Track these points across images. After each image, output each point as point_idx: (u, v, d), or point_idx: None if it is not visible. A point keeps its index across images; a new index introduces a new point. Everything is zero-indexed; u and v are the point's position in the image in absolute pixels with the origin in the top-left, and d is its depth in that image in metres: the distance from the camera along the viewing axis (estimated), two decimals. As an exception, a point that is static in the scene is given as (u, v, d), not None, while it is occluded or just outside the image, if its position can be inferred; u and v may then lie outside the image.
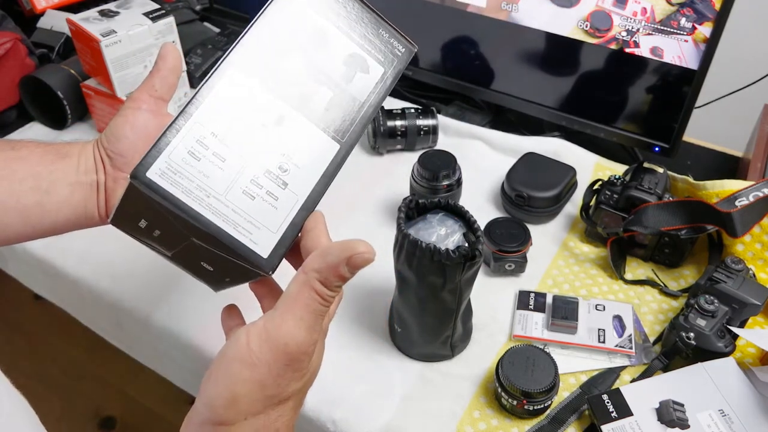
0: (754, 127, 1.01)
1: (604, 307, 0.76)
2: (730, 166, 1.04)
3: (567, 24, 0.93)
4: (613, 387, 0.69)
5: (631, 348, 0.72)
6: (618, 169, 0.98)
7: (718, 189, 0.80)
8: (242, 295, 0.51)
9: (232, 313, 0.51)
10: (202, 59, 1.16)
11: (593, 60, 0.95)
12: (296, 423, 0.70)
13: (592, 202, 0.85)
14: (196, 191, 0.44)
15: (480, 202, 0.94)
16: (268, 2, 0.49)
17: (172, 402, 1.29)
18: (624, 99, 0.96)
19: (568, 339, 0.73)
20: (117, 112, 0.54)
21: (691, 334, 0.67)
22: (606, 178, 0.85)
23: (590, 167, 0.99)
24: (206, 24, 1.30)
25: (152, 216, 0.45)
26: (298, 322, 0.42)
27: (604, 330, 0.74)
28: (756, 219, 0.76)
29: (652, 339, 0.74)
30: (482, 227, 0.74)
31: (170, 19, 0.98)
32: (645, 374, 0.69)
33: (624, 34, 0.90)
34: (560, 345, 0.73)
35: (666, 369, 0.70)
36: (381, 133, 0.99)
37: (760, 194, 0.75)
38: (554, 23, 0.94)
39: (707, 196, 0.80)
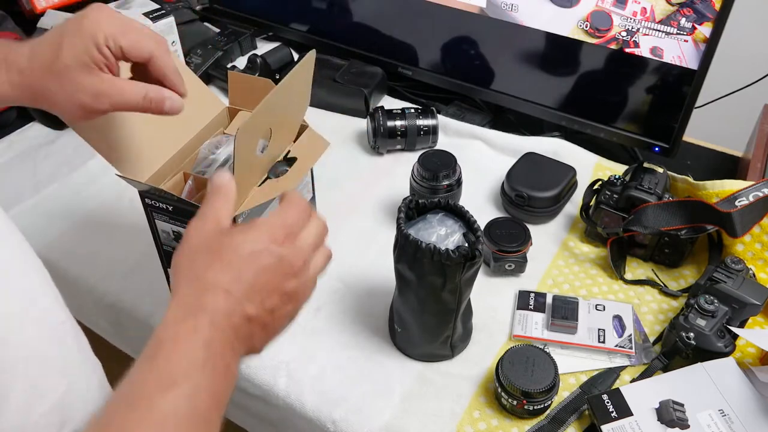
0: (753, 127, 1.01)
1: (604, 307, 0.76)
2: (729, 166, 1.04)
3: (567, 24, 0.93)
4: (613, 387, 0.69)
5: (631, 348, 0.72)
6: (618, 169, 0.98)
7: (718, 189, 0.80)
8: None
9: None
10: (202, 59, 1.16)
11: (593, 60, 0.95)
12: (296, 422, 0.70)
13: (592, 202, 0.85)
14: None
15: (480, 202, 0.94)
16: None
17: (172, 402, 1.28)
18: (624, 99, 0.96)
19: (568, 339, 0.73)
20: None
21: (691, 334, 0.67)
22: (606, 178, 0.85)
23: (590, 167, 0.99)
24: (206, 24, 1.30)
25: None
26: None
27: (604, 330, 0.74)
28: (756, 219, 0.76)
29: (652, 339, 0.74)
30: (482, 227, 0.74)
31: (170, 19, 0.98)
32: (645, 374, 0.69)
33: (624, 34, 0.90)
34: (560, 345, 0.73)
35: (666, 369, 0.70)
36: (381, 133, 0.99)
37: (760, 194, 0.75)
38: (554, 23, 0.94)
39: (707, 196, 0.80)
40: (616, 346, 0.72)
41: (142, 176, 0.61)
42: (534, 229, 0.85)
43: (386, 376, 0.71)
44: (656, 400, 0.64)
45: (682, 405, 0.63)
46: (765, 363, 0.69)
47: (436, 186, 0.85)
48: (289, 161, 0.67)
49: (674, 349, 0.68)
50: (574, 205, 0.92)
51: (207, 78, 1.15)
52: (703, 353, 0.67)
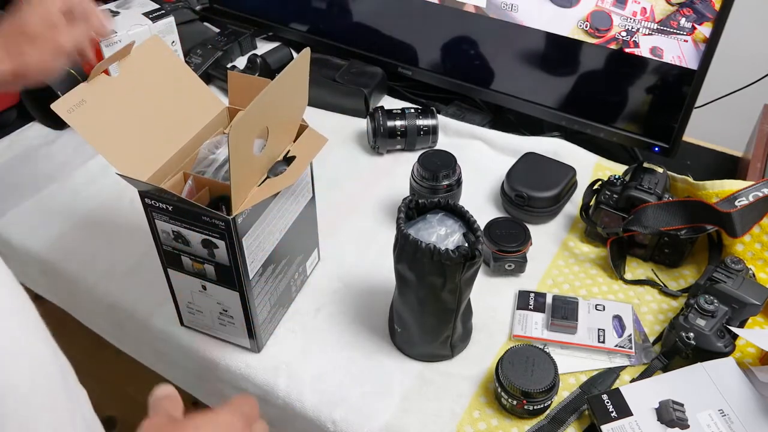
0: (753, 127, 1.01)
1: (603, 307, 0.76)
2: (729, 166, 1.04)
3: (567, 24, 0.93)
4: (613, 387, 0.69)
5: (630, 348, 0.72)
6: (618, 169, 0.98)
7: (718, 189, 0.80)
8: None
9: None
10: (202, 59, 1.16)
11: (593, 60, 0.95)
12: (296, 422, 0.70)
13: (592, 202, 0.85)
14: None
15: (480, 202, 0.94)
16: None
17: (172, 402, 1.28)
18: (624, 99, 0.96)
19: (567, 339, 0.73)
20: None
21: (691, 334, 0.67)
22: (606, 178, 0.85)
23: (590, 167, 0.99)
24: (206, 24, 1.30)
25: None
26: None
27: (603, 330, 0.74)
28: (756, 219, 0.76)
29: (651, 339, 0.74)
30: (482, 227, 0.74)
31: (170, 19, 0.98)
32: (645, 374, 0.69)
33: (624, 34, 0.90)
34: (560, 345, 0.73)
35: (666, 369, 0.70)
36: (381, 133, 0.99)
37: (760, 194, 0.75)
38: (554, 23, 0.94)
39: (707, 196, 0.80)
40: (616, 346, 0.72)
41: (142, 176, 0.61)
42: (534, 229, 0.85)
43: (386, 376, 0.71)
44: (656, 400, 0.64)
45: (682, 405, 0.63)
46: (765, 363, 0.69)
47: (436, 186, 0.85)
48: (289, 160, 0.67)
49: (674, 349, 0.68)
50: (574, 205, 0.92)
51: (207, 78, 1.16)
52: (703, 353, 0.67)
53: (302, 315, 0.78)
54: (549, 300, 0.77)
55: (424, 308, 0.67)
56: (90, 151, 0.64)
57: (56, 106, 0.59)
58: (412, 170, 0.88)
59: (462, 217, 0.66)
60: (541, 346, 0.68)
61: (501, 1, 0.97)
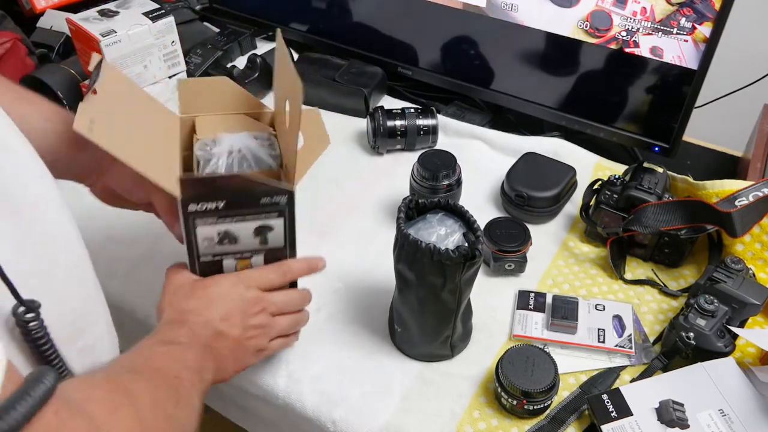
0: (753, 127, 1.01)
1: (603, 307, 0.76)
2: (729, 166, 1.04)
3: (567, 24, 0.93)
4: (613, 387, 0.69)
5: (630, 348, 0.72)
6: (618, 169, 0.98)
7: (718, 189, 0.80)
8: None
9: None
10: (201, 59, 1.16)
11: (593, 60, 0.95)
12: (296, 422, 0.70)
13: (592, 202, 0.85)
14: None
15: (480, 202, 0.94)
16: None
17: (172, 402, 1.28)
18: (624, 99, 0.96)
19: (567, 339, 0.73)
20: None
21: (691, 334, 0.67)
22: (606, 178, 0.85)
23: (590, 167, 0.99)
24: (206, 24, 1.30)
25: None
26: None
27: (603, 330, 0.74)
28: (756, 219, 0.76)
29: (651, 339, 0.74)
30: (482, 227, 0.74)
31: (170, 19, 0.98)
32: (645, 374, 0.69)
33: (624, 34, 0.90)
34: (560, 345, 0.73)
35: (666, 369, 0.70)
36: (381, 133, 0.99)
37: (760, 194, 0.75)
38: (554, 23, 0.94)
39: (707, 196, 0.80)
40: (616, 346, 0.72)
41: (173, 185, 0.58)
42: (534, 229, 0.85)
43: (386, 376, 0.71)
44: (656, 400, 0.64)
45: (682, 405, 0.63)
46: (765, 363, 0.69)
47: (436, 186, 0.85)
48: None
49: (674, 349, 0.68)
50: (574, 205, 0.92)
51: (207, 78, 1.16)
52: (703, 353, 0.67)
53: (302, 315, 0.77)
54: (549, 300, 0.77)
55: (424, 308, 0.67)
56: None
57: (79, 128, 0.56)
58: (412, 170, 0.88)
59: (462, 217, 0.66)
60: (541, 346, 0.68)
61: (501, 1, 0.97)
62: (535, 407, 0.65)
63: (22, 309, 0.42)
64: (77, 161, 0.64)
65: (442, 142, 1.04)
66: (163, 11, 0.98)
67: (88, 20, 0.93)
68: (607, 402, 0.64)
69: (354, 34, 1.17)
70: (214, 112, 0.69)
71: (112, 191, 0.68)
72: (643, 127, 0.97)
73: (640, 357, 0.72)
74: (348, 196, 0.95)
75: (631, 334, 0.73)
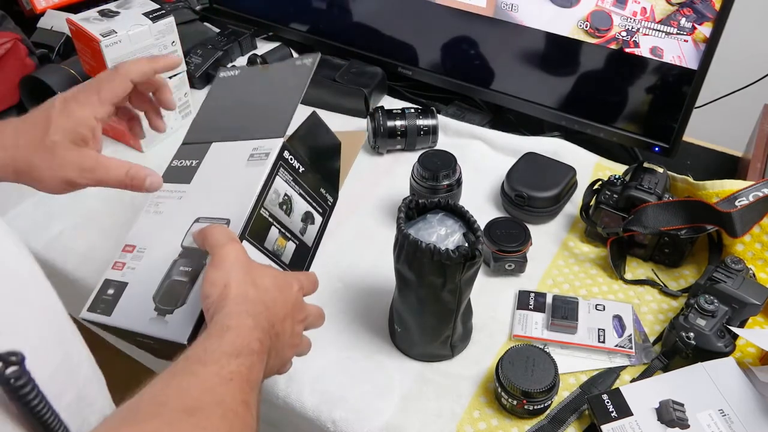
0: (753, 127, 1.01)
1: (604, 307, 0.76)
2: (729, 166, 1.04)
3: (567, 24, 0.93)
4: (613, 387, 0.69)
5: (631, 348, 0.72)
6: (618, 169, 0.98)
7: (718, 189, 0.80)
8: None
9: None
10: (202, 59, 1.16)
11: (593, 60, 0.95)
12: (296, 422, 0.70)
13: (592, 202, 0.85)
14: None
15: (480, 202, 0.94)
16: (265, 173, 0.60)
17: (172, 402, 1.28)
18: (624, 99, 0.96)
19: (568, 339, 0.73)
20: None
21: (691, 334, 0.67)
22: (606, 178, 0.85)
23: (590, 167, 0.99)
24: (206, 24, 1.30)
25: None
26: None
27: (604, 330, 0.74)
28: (756, 219, 0.76)
29: (652, 339, 0.74)
30: (482, 227, 0.74)
31: (170, 19, 0.98)
32: (645, 374, 0.69)
33: (624, 34, 0.90)
34: (560, 345, 0.73)
35: (666, 369, 0.70)
36: (381, 133, 0.99)
37: (760, 194, 0.75)
38: (554, 23, 0.94)
39: (707, 196, 0.80)
40: (616, 346, 0.72)
41: None
42: (534, 229, 0.85)
43: (386, 376, 0.71)
44: (656, 400, 0.64)
45: (682, 405, 0.63)
46: (765, 363, 0.69)
47: (436, 186, 0.85)
48: None
49: (674, 349, 0.68)
50: (574, 205, 0.92)
51: (207, 78, 1.16)
52: (703, 353, 0.67)
53: (302, 315, 0.77)
54: (549, 300, 0.77)
55: (424, 308, 0.67)
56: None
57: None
58: (412, 170, 0.88)
59: (462, 217, 0.66)
60: (541, 346, 0.68)
61: (501, 1, 0.97)
62: (535, 407, 0.65)
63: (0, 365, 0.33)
64: None
65: (442, 142, 1.04)
66: (163, 11, 0.98)
67: (89, 20, 0.93)
68: (607, 402, 0.64)
69: (354, 34, 1.17)
70: None
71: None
72: (643, 127, 0.97)
73: (640, 357, 0.72)
74: (348, 196, 0.95)
75: (631, 334, 0.73)
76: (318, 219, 0.66)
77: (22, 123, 0.59)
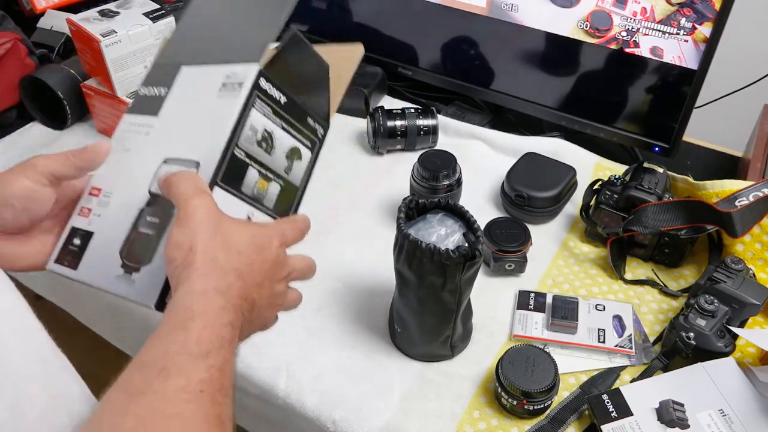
0: (753, 127, 1.01)
1: (604, 307, 0.76)
2: (729, 166, 1.04)
3: (567, 24, 0.93)
4: (613, 387, 0.69)
5: (631, 348, 0.72)
6: (618, 169, 0.98)
7: (718, 189, 0.80)
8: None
9: None
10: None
11: (593, 60, 0.95)
12: (296, 422, 0.70)
13: (592, 202, 0.85)
14: None
15: (480, 202, 0.94)
16: (237, 107, 0.52)
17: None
18: (624, 99, 0.96)
19: (568, 339, 0.73)
20: (10, 171, 0.52)
21: (691, 334, 0.67)
22: (606, 178, 0.85)
23: (590, 167, 0.99)
24: (206, 24, 1.30)
25: None
26: None
27: (604, 330, 0.74)
28: (756, 219, 0.76)
29: (652, 339, 0.74)
30: (482, 227, 0.74)
31: (170, 19, 0.98)
32: (645, 374, 0.69)
33: (624, 34, 0.90)
34: (560, 345, 0.73)
35: (666, 369, 0.70)
36: (381, 133, 0.99)
37: (760, 194, 0.75)
38: (554, 23, 0.94)
39: (707, 196, 0.80)
40: (616, 346, 0.72)
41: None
42: (534, 229, 0.85)
43: (386, 376, 0.71)
44: (656, 400, 0.64)
45: (682, 405, 0.63)
46: (765, 363, 0.69)
47: (436, 186, 0.85)
48: None
49: (674, 349, 0.68)
50: (574, 205, 0.92)
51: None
52: (703, 353, 0.67)
53: (302, 315, 0.78)
54: (549, 300, 0.77)
55: (424, 308, 0.67)
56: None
57: None
58: (412, 170, 0.88)
59: (462, 217, 0.66)
60: (541, 346, 0.68)
61: (501, 1, 0.97)
62: (535, 407, 0.65)
63: None
64: None
65: (442, 142, 1.04)
66: (163, 11, 0.98)
67: (89, 20, 0.93)
68: (607, 402, 0.64)
69: (354, 34, 1.17)
70: None
71: None
72: (643, 127, 0.97)
73: (640, 357, 0.72)
74: (348, 196, 0.95)
75: (631, 334, 0.73)
76: (306, 154, 0.58)
77: None
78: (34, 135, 1.06)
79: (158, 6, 0.99)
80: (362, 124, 1.07)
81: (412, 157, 0.92)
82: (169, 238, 0.44)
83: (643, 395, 0.64)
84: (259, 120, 0.53)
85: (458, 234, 0.65)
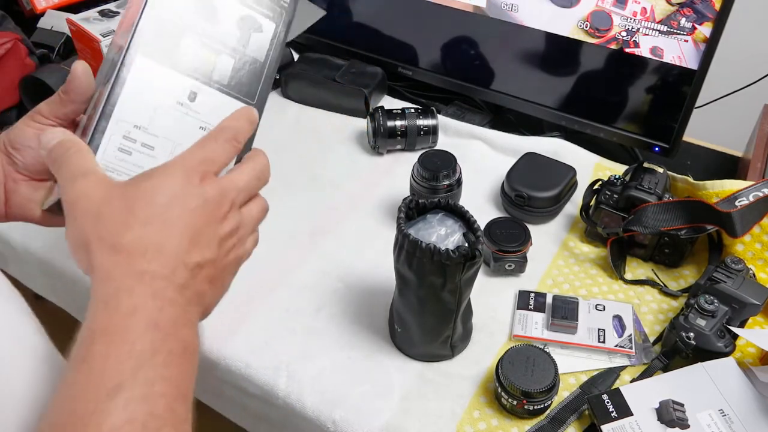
0: (753, 127, 1.01)
1: (604, 307, 0.76)
2: (729, 166, 1.04)
3: (567, 24, 0.93)
4: (613, 387, 0.69)
5: (631, 348, 0.72)
6: (618, 169, 0.98)
7: (718, 189, 0.80)
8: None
9: None
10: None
11: (593, 60, 0.95)
12: (296, 422, 0.70)
13: (592, 202, 0.85)
14: None
15: (480, 202, 0.94)
16: None
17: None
18: (624, 99, 0.96)
19: (568, 339, 0.73)
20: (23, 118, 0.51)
21: (691, 334, 0.67)
22: (606, 178, 0.85)
23: (590, 167, 0.99)
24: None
25: None
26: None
27: (604, 330, 0.74)
28: (756, 219, 0.76)
29: (652, 339, 0.74)
30: (482, 227, 0.74)
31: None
32: (645, 374, 0.69)
33: (624, 34, 0.90)
34: (560, 345, 0.73)
35: (666, 369, 0.70)
36: (381, 133, 0.99)
37: (760, 194, 0.75)
38: (554, 23, 0.94)
39: (707, 196, 0.80)
40: (616, 346, 0.72)
41: None
42: (534, 229, 0.85)
43: (386, 376, 0.71)
44: (656, 400, 0.64)
45: (682, 405, 0.63)
46: (765, 363, 0.69)
47: (436, 186, 0.85)
48: None
49: (674, 349, 0.68)
50: (574, 205, 0.92)
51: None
52: (703, 353, 0.67)
53: (302, 315, 0.78)
54: (549, 300, 0.77)
55: (424, 308, 0.67)
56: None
57: None
58: (412, 170, 0.88)
59: (462, 217, 0.66)
60: (541, 346, 0.68)
61: (501, 1, 0.97)
62: (535, 407, 0.65)
63: None
64: None
65: (442, 142, 1.04)
66: (163, 11, 0.98)
67: (89, 20, 0.93)
68: (607, 402, 0.64)
69: (354, 34, 1.17)
70: None
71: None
72: (643, 127, 0.97)
73: (640, 357, 0.72)
74: (348, 196, 0.95)
75: (631, 334, 0.73)
76: (268, 25, 0.50)
77: None
78: (34, 135, 1.06)
79: (158, 6, 0.99)
80: (362, 124, 1.07)
81: (412, 157, 0.92)
82: (65, 236, 0.40)
83: (643, 395, 0.64)
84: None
85: (458, 234, 0.65)
